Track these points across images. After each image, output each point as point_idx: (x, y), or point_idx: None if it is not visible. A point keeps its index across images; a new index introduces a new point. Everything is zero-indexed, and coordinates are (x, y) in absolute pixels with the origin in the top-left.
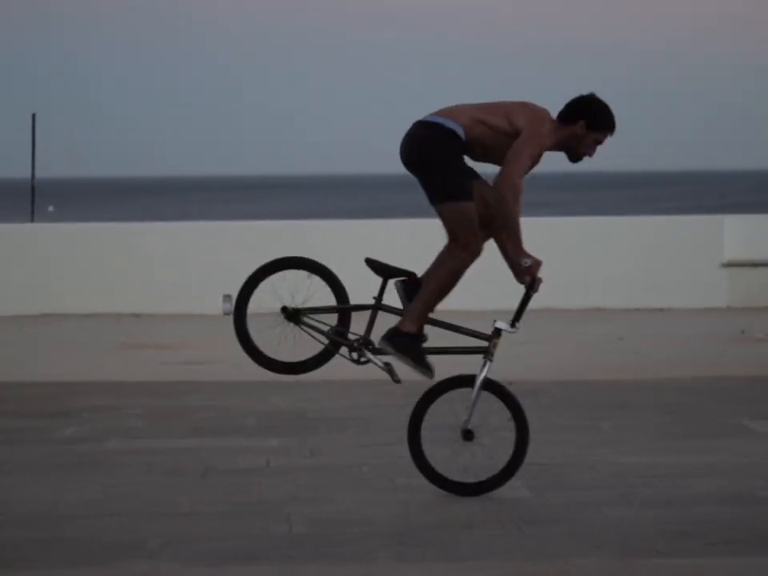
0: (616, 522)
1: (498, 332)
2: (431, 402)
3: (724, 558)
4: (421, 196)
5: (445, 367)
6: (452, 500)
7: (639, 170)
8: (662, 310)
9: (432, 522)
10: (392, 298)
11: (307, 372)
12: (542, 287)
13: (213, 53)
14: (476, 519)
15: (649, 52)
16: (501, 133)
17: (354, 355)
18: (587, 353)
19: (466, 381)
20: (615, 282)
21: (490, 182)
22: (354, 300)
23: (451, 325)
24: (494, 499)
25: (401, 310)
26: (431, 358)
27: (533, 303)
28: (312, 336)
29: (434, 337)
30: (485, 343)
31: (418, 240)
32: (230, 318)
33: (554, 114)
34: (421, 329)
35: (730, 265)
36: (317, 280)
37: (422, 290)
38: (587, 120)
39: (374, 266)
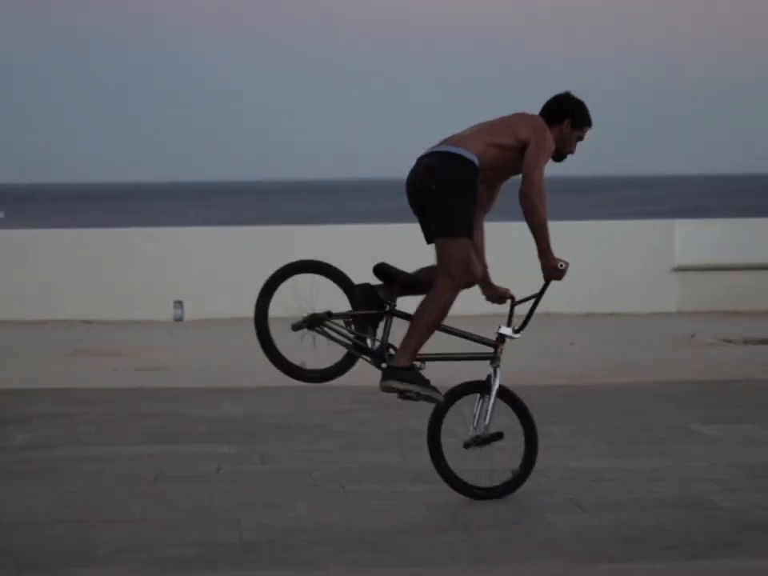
0: (567, 527)
1: (502, 338)
2: (448, 407)
3: (675, 562)
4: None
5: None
6: (403, 506)
7: (605, 174)
8: (612, 314)
9: (383, 528)
10: (405, 303)
11: (331, 380)
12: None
13: (213, 54)
14: (428, 525)
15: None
16: (509, 149)
17: (377, 362)
18: (538, 358)
19: (476, 387)
20: (566, 287)
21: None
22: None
23: (456, 330)
24: (445, 505)
25: (411, 315)
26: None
27: (483, 309)
28: (338, 341)
29: (436, 343)
30: (488, 349)
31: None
32: (182, 324)
33: None
34: (413, 361)
35: (680, 269)
36: (324, 283)
37: (415, 326)
38: (571, 119)
39: (389, 272)
